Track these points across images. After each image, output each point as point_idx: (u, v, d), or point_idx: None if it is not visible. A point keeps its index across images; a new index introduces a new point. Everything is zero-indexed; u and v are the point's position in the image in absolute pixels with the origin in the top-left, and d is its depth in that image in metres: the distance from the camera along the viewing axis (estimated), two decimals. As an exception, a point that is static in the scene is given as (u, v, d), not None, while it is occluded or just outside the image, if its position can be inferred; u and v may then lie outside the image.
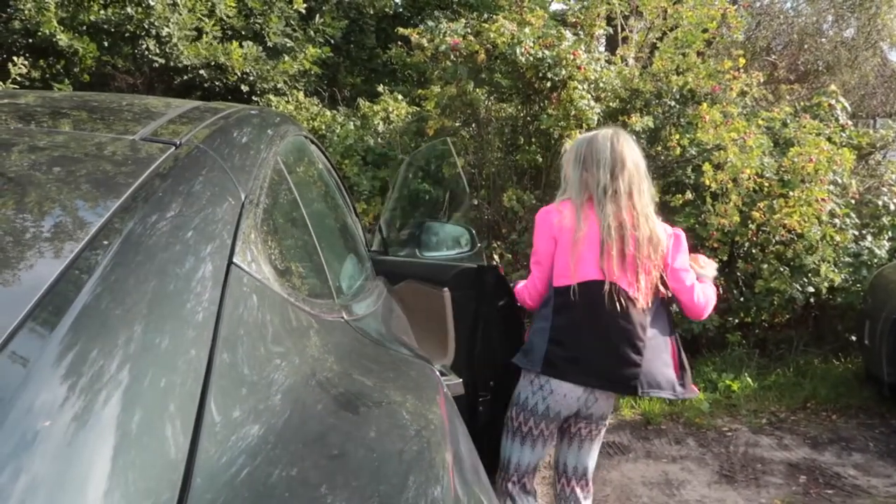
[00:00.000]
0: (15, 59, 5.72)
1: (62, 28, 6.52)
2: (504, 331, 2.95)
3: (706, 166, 5.74)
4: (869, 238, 6.33)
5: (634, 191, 2.52)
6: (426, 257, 3.21)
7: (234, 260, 0.98)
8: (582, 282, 2.48)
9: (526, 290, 2.73)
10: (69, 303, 0.75)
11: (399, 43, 7.71)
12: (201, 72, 7.28)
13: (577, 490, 2.79)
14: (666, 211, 5.91)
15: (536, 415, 2.59)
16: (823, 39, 10.28)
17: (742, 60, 6.57)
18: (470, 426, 2.96)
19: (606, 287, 2.46)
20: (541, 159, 6.26)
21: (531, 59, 5.81)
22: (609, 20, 7.64)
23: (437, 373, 1.55)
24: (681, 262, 2.61)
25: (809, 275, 5.93)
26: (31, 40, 6.57)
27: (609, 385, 2.57)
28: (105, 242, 0.85)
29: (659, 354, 2.56)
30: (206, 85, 7.46)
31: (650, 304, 2.55)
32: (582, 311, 2.49)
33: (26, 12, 6.37)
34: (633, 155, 2.57)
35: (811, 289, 5.92)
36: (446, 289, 2.81)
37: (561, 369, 2.52)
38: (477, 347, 2.96)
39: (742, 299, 6.15)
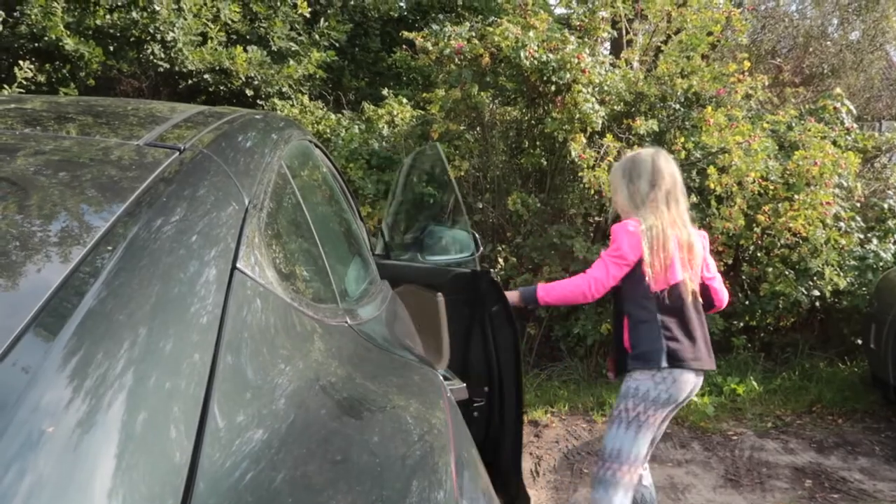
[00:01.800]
0: (21, 62, 5.75)
1: (68, 32, 6.54)
2: (497, 336, 2.97)
3: (711, 170, 5.74)
4: (874, 241, 6.32)
5: (681, 199, 2.94)
6: (428, 261, 3.22)
7: (238, 265, 0.99)
8: (674, 283, 2.84)
9: (593, 283, 2.93)
10: (74, 307, 0.75)
11: (404, 46, 7.72)
12: (206, 76, 7.29)
13: (644, 472, 3.17)
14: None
15: (658, 404, 2.85)
16: (829, 42, 10.27)
17: (747, 64, 6.56)
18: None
19: (687, 285, 2.87)
20: (545, 162, 6.26)
21: (535, 62, 5.82)
22: (613, 23, 7.63)
23: (441, 377, 1.55)
24: (710, 257, 3.09)
25: (815, 278, 5.92)
26: (37, 44, 6.60)
27: (709, 366, 2.95)
28: (109, 247, 0.86)
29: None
30: (210, 89, 7.48)
31: None
32: (680, 307, 2.86)
33: (33, 17, 6.40)
34: (671, 169, 2.96)
35: (816, 292, 5.91)
36: (440, 293, 2.81)
37: (682, 360, 2.83)
38: (471, 352, 3.00)
39: (747, 303, 6.14)
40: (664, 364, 2.81)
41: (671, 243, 2.83)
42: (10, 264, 0.83)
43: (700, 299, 2.95)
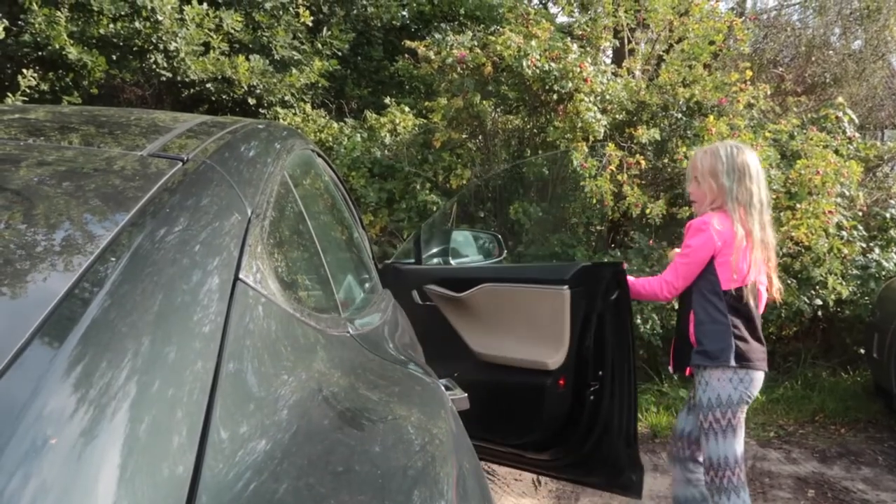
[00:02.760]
0: (25, 71, 5.77)
1: (72, 41, 6.57)
2: (615, 323, 3.18)
3: (713, 178, 5.73)
4: (877, 250, 6.31)
5: (767, 204, 2.99)
6: (457, 265, 3.56)
7: (241, 275, 0.99)
8: (747, 284, 2.88)
9: (666, 285, 3.03)
10: (78, 316, 0.76)
11: (406, 55, 7.74)
12: (208, 85, 7.31)
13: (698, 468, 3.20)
14: (673, 223, 5.91)
15: (741, 404, 2.92)
16: (831, 52, 10.27)
17: (749, 73, 6.57)
18: (572, 415, 3.19)
19: (757, 287, 2.93)
20: (547, 171, 6.26)
21: (538, 71, 5.83)
22: (615, 33, 7.66)
23: (443, 387, 1.55)
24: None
25: (817, 287, 5.91)
26: (41, 53, 6.62)
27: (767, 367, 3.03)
28: (114, 257, 0.86)
29: None
30: (213, 98, 7.50)
31: None
32: (748, 307, 2.91)
33: (36, 26, 6.42)
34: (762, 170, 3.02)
35: (819, 301, 5.90)
36: (565, 287, 3.07)
37: (752, 360, 2.90)
38: (586, 339, 3.20)
39: (749, 312, 6.13)
40: (733, 363, 2.86)
41: (759, 248, 2.89)
42: (16, 273, 0.83)
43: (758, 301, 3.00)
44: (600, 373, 3.20)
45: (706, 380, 2.93)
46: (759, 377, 2.94)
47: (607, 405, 3.19)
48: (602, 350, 3.20)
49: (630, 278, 3.14)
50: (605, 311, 3.16)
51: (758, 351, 2.92)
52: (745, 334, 2.90)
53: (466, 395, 2.29)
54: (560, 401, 3.22)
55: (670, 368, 3.22)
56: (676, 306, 3.28)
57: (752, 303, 2.90)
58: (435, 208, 6.16)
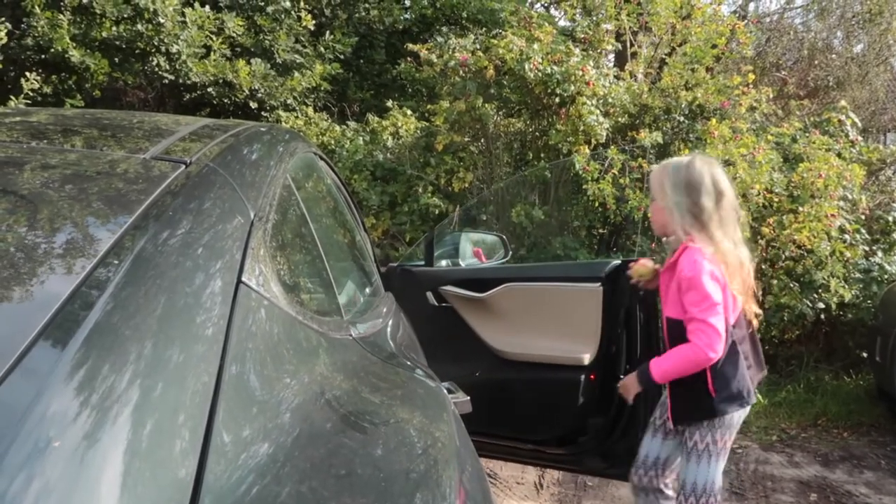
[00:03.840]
0: (28, 74, 5.78)
1: (74, 45, 6.58)
2: (642, 319, 3.23)
3: (715, 182, 5.73)
4: (879, 254, 6.31)
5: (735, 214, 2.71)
6: (466, 266, 3.61)
7: (243, 278, 0.99)
8: (741, 309, 2.65)
9: (718, 341, 2.53)
10: (82, 319, 0.76)
11: (408, 58, 7.75)
12: (210, 89, 7.33)
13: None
14: (675, 226, 5.90)
15: (736, 426, 2.73)
16: (833, 55, 10.27)
17: (751, 76, 6.57)
18: (599, 408, 3.24)
19: (747, 309, 2.69)
20: (549, 175, 6.26)
21: (540, 74, 5.84)
22: (618, 36, 7.66)
23: (445, 390, 1.55)
24: None
25: (819, 291, 5.90)
26: (43, 56, 6.64)
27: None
28: (117, 260, 0.86)
29: None
30: (214, 101, 7.51)
31: None
32: (747, 332, 2.72)
33: (39, 29, 6.44)
34: (726, 180, 2.69)
35: (821, 305, 5.89)
36: (598, 284, 3.16)
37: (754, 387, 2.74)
38: (616, 334, 3.27)
39: (752, 315, 6.12)
40: (753, 400, 2.67)
41: (745, 267, 2.60)
42: (20, 276, 0.83)
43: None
44: (627, 366, 3.22)
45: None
46: (752, 401, 2.75)
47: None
48: (630, 344, 3.26)
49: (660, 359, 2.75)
50: (633, 306, 3.23)
51: (758, 372, 2.77)
52: (752, 360, 2.72)
53: (469, 398, 2.29)
54: (591, 395, 3.29)
55: (671, 424, 2.76)
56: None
57: (745, 324, 2.68)
58: (437, 211, 6.17)
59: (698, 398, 2.62)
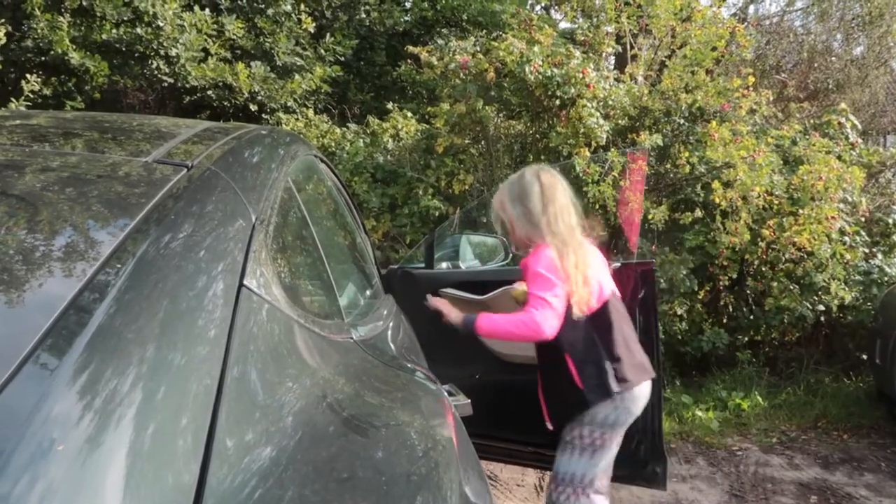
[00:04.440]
0: (28, 76, 5.78)
1: (74, 47, 6.59)
2: (644, 320, 3.26)
3: (716, 184, 5.74)
4: (879, 256, 6.31)
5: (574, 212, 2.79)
6: (466, 269, 3.62)
7: (245, 282, 0.99)
8: (603, 301, 2.74)
9: (553, 316, 2.63)
10: (84, 322, 0.76)
11: (409, 60, 7.75)
12: (209, 92, 7.33)
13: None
14: (675, 229, 5.92)
15: (618, 426, 2.76)
16: (833, 58, 10.27)
17: (751, 79, 6.57)
18: None
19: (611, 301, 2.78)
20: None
21: (540, 77, 5.84)
22: (618, 38, 7.66)
23: (446, 393, 1.55)
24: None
25: (820, 293, 5.91)
26: (43, 58, 6.64)
27: (653, 372, 2.90)
28: (119, 263, 0.86)
29: None
30: (214, 104, 7.52)
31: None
32: (609, 323, 2.75)
33: (39, 31, 6.44)
34: (558, 183, 2.78)
35: (821, 307, 5.90)
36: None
37: (629, 380, 2.73)
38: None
39: (752, 317, 6.13)
40: (616, 389, 2.66)
41: (590, 261, 2.70)
42: (22, 280, 0.83)
43: (623, 308, 2.81)
44: None
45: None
46: (642, 391, 2.76)
47: None
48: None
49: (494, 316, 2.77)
50: (632, 308, 3.18)
51: (631, 365, 2.72)
52: (618, 353, 2.70)
53: (469, 400, 2.29)
54: None
55: (550, 426, 2.86)
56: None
57: (613, 315, 2.71)
58: (437, 214, 6.17)
59: (569, 392, 2.72)
